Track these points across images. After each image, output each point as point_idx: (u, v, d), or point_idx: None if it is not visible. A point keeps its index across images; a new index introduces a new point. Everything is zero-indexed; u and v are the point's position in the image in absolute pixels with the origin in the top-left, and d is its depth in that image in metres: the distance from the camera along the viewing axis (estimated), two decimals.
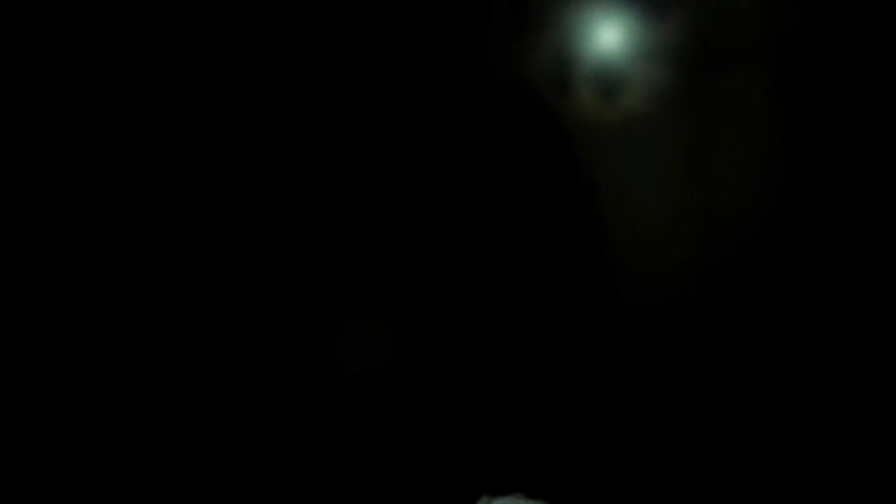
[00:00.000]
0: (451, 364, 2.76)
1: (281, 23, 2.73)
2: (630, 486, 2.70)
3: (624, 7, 2.79)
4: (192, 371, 2.78)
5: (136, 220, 2.79)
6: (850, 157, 2.85)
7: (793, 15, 2.84)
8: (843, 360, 2.80)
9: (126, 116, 2.77)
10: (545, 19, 2.75)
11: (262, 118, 2.75)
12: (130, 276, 2.79)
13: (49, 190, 2.78)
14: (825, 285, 2.83)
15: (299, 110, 2.77)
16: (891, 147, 2.83)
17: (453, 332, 2.78)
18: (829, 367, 2.80)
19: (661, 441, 2.75)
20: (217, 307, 2.78)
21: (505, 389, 2.74)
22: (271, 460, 2.73)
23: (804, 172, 2.85)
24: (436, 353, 2.76)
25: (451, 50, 2.76)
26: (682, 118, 2.82)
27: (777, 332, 2.85)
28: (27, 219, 2.76)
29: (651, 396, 2.78)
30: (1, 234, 2.75)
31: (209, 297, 2.78)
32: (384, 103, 2.78)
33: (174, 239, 2.78)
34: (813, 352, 2.81)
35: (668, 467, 2.74)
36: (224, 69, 2.74)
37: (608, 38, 2.79)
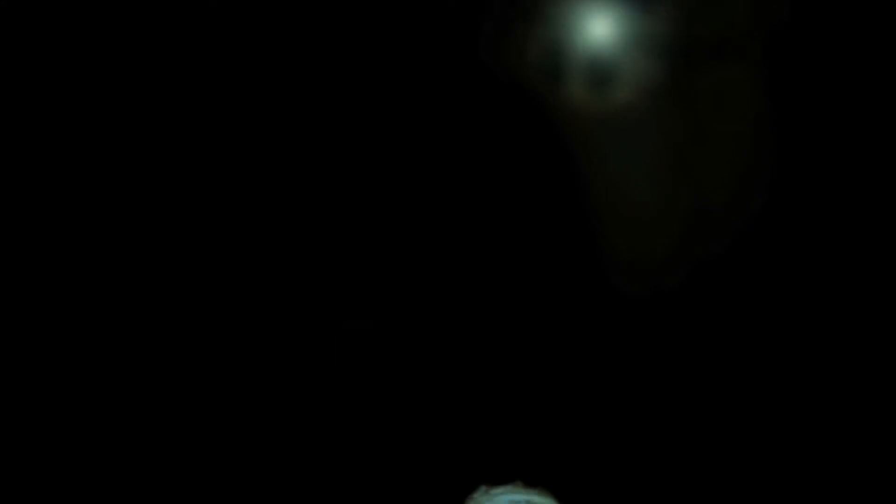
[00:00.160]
0: (446, 356, 2.76)
1: (279, 14, 2.73)
2: (625, 472, 2.72)
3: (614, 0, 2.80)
4: (189, 369, 2.77)
5: (137, 219, 2.78)
6: (838, 150, 2.87)
7: (781, 8, 2.85)
8: (828, 349, 2.82)
9: (126, 116, 2.76)
10: (537, 11, 2.75)
11: (255, 108, 2.75)
12: (130, 275, 2.79)
13: (49, 190, 2.77)
14: (811, 275, 2.85)
15: (296, 105, 2.77)
16: (879, 140, 2.85)
17: (447, 323, 2.79)
18: (815, 355, 2.82)
19: (656, 429, 2.77)
20: (215, 306, 2.78)
21: (500, 380, 2.75)
22: (271, 456, 2.73)
23: (791, 163, 2.87)
24: (431, 346, 2.76)
25: (444, 40, 2.76)
26: (671, 110, 2.84)
27: (762, 321, 2.87)
28: (27, 219, 2.75)
29: (644, 385, 2.79)
30: (1, 233, 2.74)
31: (207, 297, 2.78)
32: (375, 94, 2.79)
33: (172, 238, 2.78)
34: (800, 341, 2.83)
35: (662, 454, 2.75)
36: (224, 68, 2.73)
37: (599, 30, 2.81)
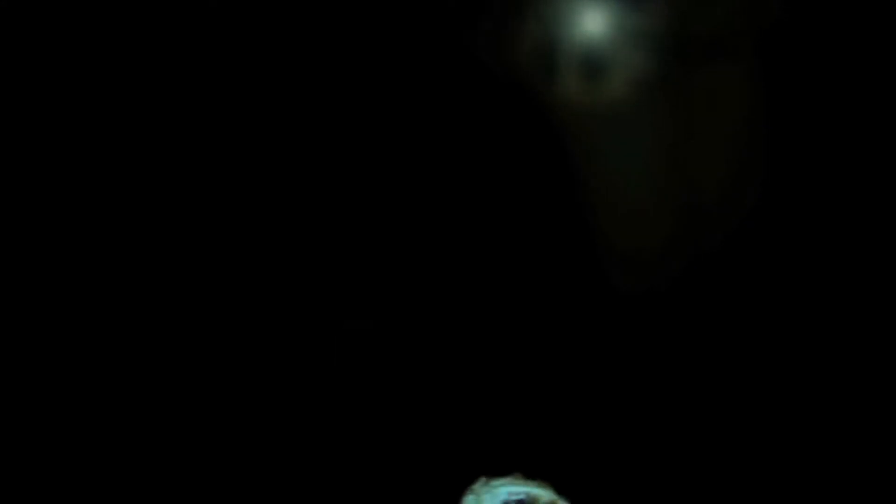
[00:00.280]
0: (444, 351, 2.77)
1: (278, 13, 2.74)
2: (623, 465, 2.72)
3: None
4: (189, 369, 2.78)
5: (136, 219, 2.78)
6: (833, 146, 2.88)
7: (775, 4, 2.86)
8: (824, 346, 2.83)
9: (126, 116, 2.77)
10: (531, 7, 2.76)
11: (254, 105, 2.76)
12: (130, 275, 2.79)
13: (49, 189, 2.77)
14: (805, 272, 2.86)
15: (292, 103, 2.77)
16: (874, 137, 2.86)
17: (444, 319, 2.79)
18: (811, 352, 2.83)
19: (652, 423, 2.77)
20: (215, 306, 2.79)
21: (498, 374, 2.76)
22: (270, 453, 2.74)
23: (785, 160, 2.87)
24: (430, 342, 2.77)
25: (436, 36, 2.77)
26: (665, 106, 2.85)
27: (757, 317, 2.88)
28: (27, 218, 2.76)
29: (640, 380, 2.80)
30: (1, 233, 2.74)
31: (207, 296, 2.79)
32: (368, 92, 2.80)
33: (171, 238, 2.79)
34: (795, 338, 2.84)
35: (658, 447, 2.76)
36: (224, 68, 2.74)
37: (593, 25, 2.82)
